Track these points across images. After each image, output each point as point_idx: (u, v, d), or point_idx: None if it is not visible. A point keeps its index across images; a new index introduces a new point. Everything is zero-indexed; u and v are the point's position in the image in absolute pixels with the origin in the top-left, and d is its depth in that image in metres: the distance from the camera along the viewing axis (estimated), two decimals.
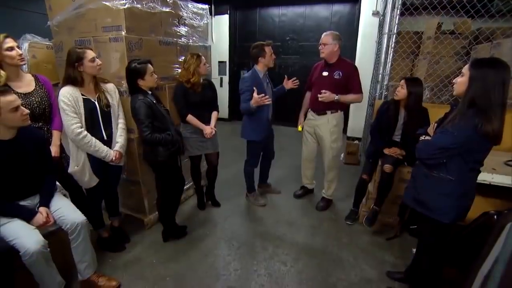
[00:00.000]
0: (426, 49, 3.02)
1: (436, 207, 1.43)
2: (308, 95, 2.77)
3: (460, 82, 1.32)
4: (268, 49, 2.44)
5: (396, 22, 2.62)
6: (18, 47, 1.69)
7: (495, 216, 1.45)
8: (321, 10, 5.49)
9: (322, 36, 2.43)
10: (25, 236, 1.44)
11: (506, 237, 1.13)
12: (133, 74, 1.90)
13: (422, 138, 1.51)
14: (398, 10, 2.59)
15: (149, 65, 1.92)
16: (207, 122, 2.40)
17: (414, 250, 1.81)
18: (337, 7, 5.37)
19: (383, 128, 2.30)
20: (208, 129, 2.35)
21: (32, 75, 1.85)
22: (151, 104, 1.92)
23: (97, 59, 1.82)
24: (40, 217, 1.55)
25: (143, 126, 1.88)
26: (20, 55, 1.68)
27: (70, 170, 1.85)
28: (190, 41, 2.65)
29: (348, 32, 4.98)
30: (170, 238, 2.28)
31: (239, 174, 3.32)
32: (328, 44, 2.39)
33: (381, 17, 3.56)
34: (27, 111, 1.49)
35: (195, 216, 2.67)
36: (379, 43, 3.17)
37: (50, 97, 1.89)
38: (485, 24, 2.73)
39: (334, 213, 2.75)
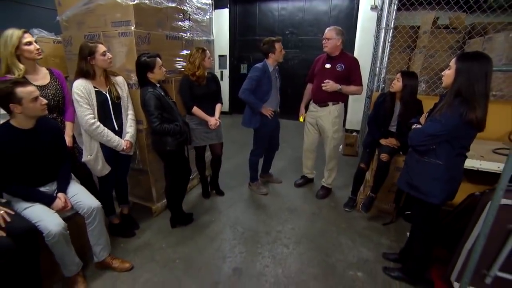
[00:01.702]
0: (422, 43, 3.12)
1: (428, 190, 1.55)
2: (309, 86, 2.86)
3: (448, 75, 1.44)
4: (278, 45, 2.54)
5: (393, 17, 2.72)
6: (35, 41, 1.77)
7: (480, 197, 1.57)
8: (320, 4, 5.53)
9: (326, 31, 2.51)
10: (48, 218, 1.55)
11: (487, 214, 1.26)
12: (143, 67, 1.99)
13: (414, 126, 1.62)
14: (395, 5, 2.68)
15: (158, 59, 2.01)
16: (211, 114, 2.50)
17: (409, 233, 1.93)
18: (336, 1, 5.41)
19: (379, 119, 2.40)
20: (213, 121, 2.45)
21: (47, 69, 1.94)
22: (160, 96, 2.01)
23: (107, 53, 1.90)
24: (59, 202, 1.67)
25: (153, 117, 1.97)
26: (38, 49, 1.76)
27: (84, 159, 1.95)
28: (195, 35, 2.74)
29: (346, 26, 5.03)
30: (178, 224, 2.41)
31: (240, 164, 3.45)
32: (331, 39, 2.48)
33: (379, 12, 3.64)
34: (45, 101, 1.59)
35: (200, 204, 2.79)
36: (377, 37, 3.26)
37: (63, 89, 1.98)
38: (477, 19, 2.82)
39: (333, 201, 2.88)
